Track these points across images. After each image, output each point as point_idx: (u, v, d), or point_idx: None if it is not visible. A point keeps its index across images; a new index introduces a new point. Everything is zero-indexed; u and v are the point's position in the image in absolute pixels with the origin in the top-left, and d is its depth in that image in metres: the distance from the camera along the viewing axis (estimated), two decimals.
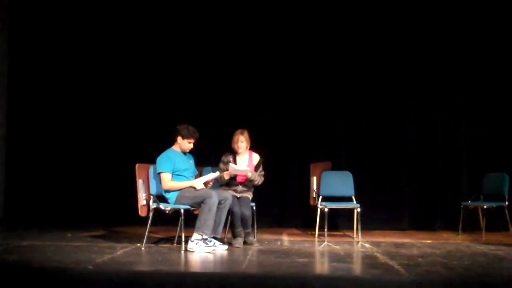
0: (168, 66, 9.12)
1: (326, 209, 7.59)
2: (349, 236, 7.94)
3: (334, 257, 6.21)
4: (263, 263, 5.83)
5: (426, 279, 5.02)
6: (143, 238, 6.62)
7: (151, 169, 6.75)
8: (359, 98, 9.01)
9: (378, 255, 6.30)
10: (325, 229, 7.54)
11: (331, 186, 8.04)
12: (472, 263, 5.80)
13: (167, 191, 6.65)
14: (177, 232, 6.93)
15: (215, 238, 6.53)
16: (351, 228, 7.88)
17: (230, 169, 6.94)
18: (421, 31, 8.96)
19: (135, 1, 9.18)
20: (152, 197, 6.63)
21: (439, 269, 5.45)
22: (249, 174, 6.98)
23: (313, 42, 9.05)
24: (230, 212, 6.75)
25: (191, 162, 6.89)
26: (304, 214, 8.83)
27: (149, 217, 6.61)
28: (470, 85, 8.94)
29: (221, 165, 7.11)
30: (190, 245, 6.37)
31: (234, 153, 7.16)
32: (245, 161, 7.15)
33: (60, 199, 8.97)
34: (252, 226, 7.09)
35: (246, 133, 7.15)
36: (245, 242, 6.93)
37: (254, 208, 7.10)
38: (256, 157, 7.22)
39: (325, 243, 7.26)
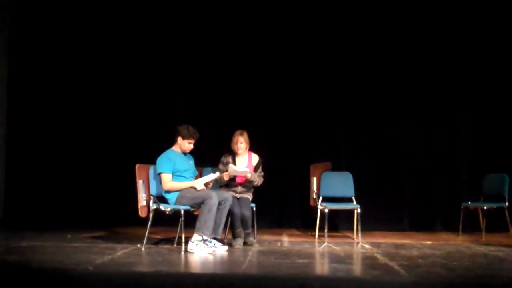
0: (168, 67, 9.11)
1: (326, 210, 7.58)
2: (349, 237, 7.94)
3: (334, 258, 6.21)
4: (263, 264, 5.83)
5: (426, 280, 5.02)
6: (143, 239, 6.62)
7: (151, 169, 6.75)
8: (359, 98, 9.00)
9: (378, 256, 6.30)
10: (325, 230, 7.54)
11: (331, 186, 8.04)
12: (472, 264, 5.79)
13: (168, 191, 6.64)
14: (177, 233, 6.93)
15: (215, 239, 6.53)
16: (351, 229, 7.88)
17: (229, 170, 6.93)
18: (421, 31, 8.95)
19: (136, 1, 9.17)
20: (152, 197, 6.63)
21: (439, 270, 5.45)
22: (249, 175, 6.97)
23: (313, 42, 9.05)
24: (230, 212, 6.75)
25: (191, 162, 6.89)
26: (304, 214, 8.83)
27: (149, 218, 6.61)
28: (470, 85, 8.94)
29: (221, 166, 7.11)
30: (190, 246, 6.37)
31: (233, 154, 7.16)
32: (245, 162, 7.14)
33: (60, 199, 8.96)
34: (252, 227, 7.09)
35: (245, 134, 7.15)
36: (245, 243, 6.93)
37: (254, 209, 7.10)
38: (255, 158, 7.21)
39: (325, 244, 7.25)
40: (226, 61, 9.10)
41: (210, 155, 7.86)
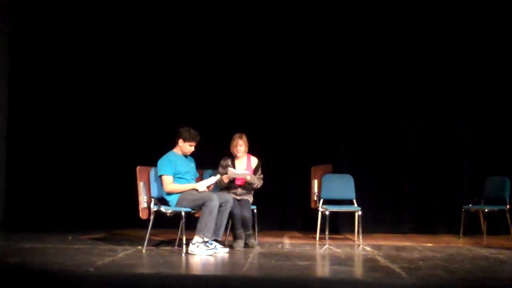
0: (169, 69, 9.11)
1: (327, 212, 7.58)
2: (350, 239, 7.93)
3: (335, 260, 6.20)
4: (264, 266, 5.83)
5: (427, 283, 5.02)
6: (144, 241, 6.62)
7: (152, 171, 6.75)
8: (360, 99, 8.99)
9: (379, 258, 6.30)
10: (326, 232, 7.53)
11: (332, 189, 8.03)
12: (473, 267, 5.79)
13: (169, 193, 6.65)
14: (178, 235, 6.94)
15: (216, 240, 6.53)
16: (352, 231, 7.88)
17: (229, 173, 6.93)
18: (421, 31, 8.94)
19: (137, 3, 9.18)
20: (153, 199, 6.63)
21: (440, 272, 5.45)
22: (248, 178, 6.98)
23: (313, 43, 9.04)
24: (231, 214, 6.75)
25: (192, 165, 6.89)
26: (305, 217, 8.82)
27: (150, 220, 6.61)
28: (471, 87, 8.92)
29: (220, 169, 7.11)
30: (191, 247, 6.37)
31: (232, 157, 7.16)
32: (244, 165, 7.15)
33: (61, 201, 8.96)
34: (253, 229, 7.09)
35: (244, 137, 7.15)
36: (246, 245, 6.93)
37: (255, 211, 7.10)
38: (254, 161, 7.22)
39: (326, 246, 7.25)
40: (226, 63, 9.10)
41: (210, 157, 7.88)
